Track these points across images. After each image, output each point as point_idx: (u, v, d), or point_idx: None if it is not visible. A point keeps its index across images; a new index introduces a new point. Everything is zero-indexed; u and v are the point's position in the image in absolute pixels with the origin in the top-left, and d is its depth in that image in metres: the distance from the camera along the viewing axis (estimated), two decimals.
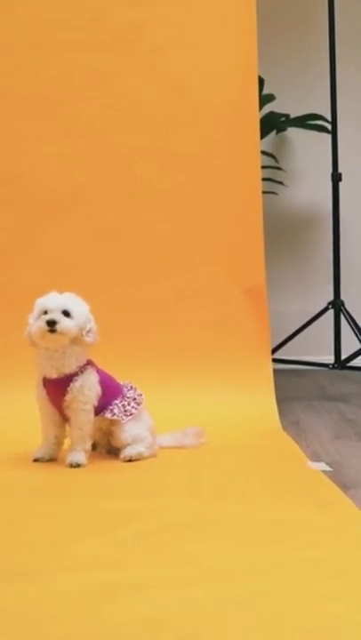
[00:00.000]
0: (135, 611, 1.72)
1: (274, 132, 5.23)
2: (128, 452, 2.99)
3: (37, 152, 3.81)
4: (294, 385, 4.62)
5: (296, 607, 1.73)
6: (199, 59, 3.89)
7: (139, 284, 3.81)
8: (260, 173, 3.98)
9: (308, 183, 5.41)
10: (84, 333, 2.89)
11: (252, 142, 3.95)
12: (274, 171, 5.18)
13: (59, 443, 2.99)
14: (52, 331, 2.84)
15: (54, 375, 2.91)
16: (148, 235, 3.85)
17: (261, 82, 4.64)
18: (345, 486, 2.68)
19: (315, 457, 3.11)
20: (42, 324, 2.84)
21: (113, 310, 3.58)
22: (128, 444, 2.99)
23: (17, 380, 3.39)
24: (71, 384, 2.91)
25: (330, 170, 4.63)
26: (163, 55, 3.87)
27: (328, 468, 2.93)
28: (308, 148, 5.38)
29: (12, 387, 3.49)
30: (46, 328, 2.84)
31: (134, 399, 3.03)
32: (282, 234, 5.33)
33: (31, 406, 3.00)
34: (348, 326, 4.55)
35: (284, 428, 3.55)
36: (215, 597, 1.78)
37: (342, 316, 4.62)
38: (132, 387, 3.06)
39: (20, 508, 2.48)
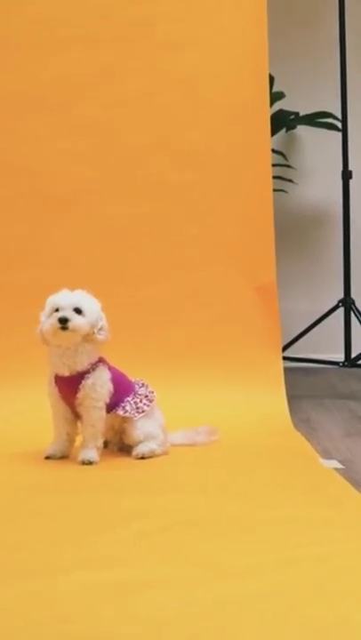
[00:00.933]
0: (138, 610, 1.72)
1: (284, 129, 5.22)
2: (140, 449, 2.99)
3: (45, 150, 3.81)
4: (305, 383, 4.62)
5: (300, 606, 1.73)
6: (209, 56, 3.89)
7: (149, 281, 3.82)
8: (270, 171, 3.98)
9: (318, 181, 5.40)
10: (95, 331, 2.89)
11: (262, 140, 3.95)
12: (284, 169, 5.18)
13: (71, 440, 3.00)
14: (64, 328, 2.84)
15: (66, 373, 2.92)
16: (158, 232, 3.86)
17: (271, 79, 4.63)
18: (357, 483, 2.68)
19: (326, 454, 3.11)
20: (54, 321, 2.85)
21: (123, 308, 3.59)
22: (140, 442, 3.00)
23: (29, 378, 3.39)
24: (83, 381, 2.91)
25: (340, 167, 4.62)
26: (172, 52, 3.87)
27: (340, 466, 2.93)
28: (317, 146, 5.37)
29: (24, 384, 3.50)
30: (58, 325, 2.84)
31: (146, 396, 3.03)
32: (292, 232, 5.33)
33: (43, 404, 3.01)
34: (359, 324, 4.54)
35: (295, 426, 3.55)
36: (219, 596, 1.78)
37: (353, 315, 4.61)
38: (143, 384, 3.06)
39: (31, 505, 2.48)
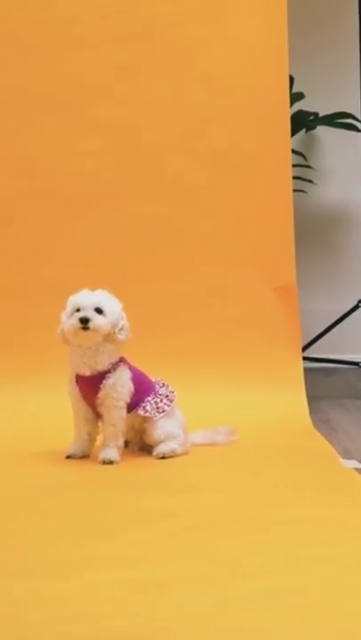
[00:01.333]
0: (165, 607, 1.73)
1: (303, 130, 5.22)
2: (161, 449, 2.99)
3: (64, 149, 3.82)
4: (324, 383, 4.61)
5: (316, 605, 1.74)
6: (229, 56, 3.89)
7: (169, 281, 3.83)
8: (290, 172, 3.98)
9: (337, 181, 5.40)
10: (116, 331, 2.90)
11: (282, 140, 3.94)
12: (303, 169, 5.18)
13: (91, 439, 3.00)
14: (85, 328, 2.85)
15: (87, 372, 2.92)
16: (177, 232, 3.86)
17: (291, 80, 4.63)
18: None
19: (346, 455, 3.11)
20: (75, 321, 2.85)
21: (143, 307, 3.58)
22: (161, 441, 3.00)
23: (50, 377, 3.41)
24: (104, 381, 2.92)
25: (360, 168, 4.62)
26: (191, 52, 3.88)
27: (360, 466, 2.93)
28: (337, 147, 5.37)
29: (45, 383, 3.52)
30: (79, 325, 2.85)
31: (167, 396, 3.03)
32: (312, 232, 5.33)
33: (64, 403, 3.02)
34: None
35: (315, 426, 3.55)
36: (236, 595, 1.78)
37: None
38: (164, 384, 3.06)
39: (52, 504, 2.49)
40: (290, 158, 3.99)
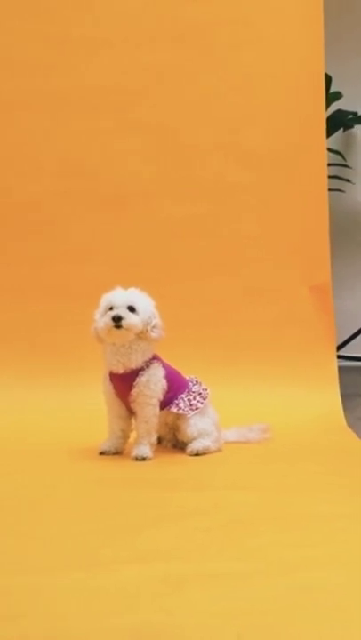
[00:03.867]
0: (201, 602, 1.75)
1: (341, 129, 5.21)
2: (195, 445, 3.01)
3: (107, 148, 3.87)
4: (359, 382, 4.60)
5: (347, 601, 1.75)
6: (266, 57, 3.92)
7: (205, 280, 3.85)
8: (325, 171, 3.99)
9: None
10: (149, 329, 2.92)
11: (318, 140, 3.96)
12: (341, 168, 5.17)
13: (125, 436, 3.03)
14: (118, 326, 2.87)
15: (121, 370, 2.95)
16: (214, 232, 3.89)
17: (329, 80, 4.63)
18: None
19: None
20: (108, 320, 2.88)
21: (180, 305, 3.63)
22: (194, 438, 3.02)
23: (85, 374, 3.45)
24: (137, 378, 2.94)
25: None
26: (230, 53, 3.91)
27: None
28: None
29: (80, 381, 3.56)
30: (112, 324, 2.87)
31: (200, 394, 3.05)
32: (349, 231, 5.32)
33: (98, 400, 3.05)
34: None
35: (350, 424, 3.55)
36: (269, 591, 1.80)
37: None
38: (197, 381, 3.08)
39: (86, 500, 2.51)
40: (325, 158, 4.00)
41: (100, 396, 3.03)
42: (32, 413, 3.48)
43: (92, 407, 3.15)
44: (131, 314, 2.88)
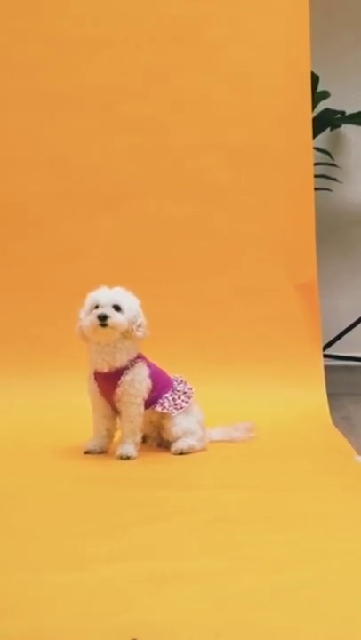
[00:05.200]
0: (186, 600, 1.75)
1: (329, 129, 5.21)
2: (179, 445, 3.02)
3: (94, 148, 3.87)
4: (346, 381, 4.60)
5: (330, 599, 1.76)
6: (253, 56, 3.93)
7: (191, 278, 3.86)
8: (312, 170, 4.00)
9: None
10: (134, 327, 2.92)
11: (304, 140, 3.97)
12: (328, 167, 5.17)
13: (110, 435, 3.04)
14: (104, 325, 2.87)
15: (105, 369, 2.95)
16: (200, 231, 3.90)
17: (317, 79, 4.63)
18: None
19: None
20: (93, 318, 2.88)
21: (166, 304, 3.64)
22: (179, 437, 3.03)
23: (69, 373, 3.44)
24: (122, 377, 2.95)
25: None
26: (218, 53, 3.92)
27: None
28: None
29: (64, 379, 3.56)
30: (97, 322, 2.87)
31: (185, 393, 3.06)
32: (336, 230, 5.32)
33: (82, 399, 3.04)
34: None
35: (335, 423, 3.56)
36: (253, 588, 1.81)
37: None
38: (182, 380, 3.09)
39: (71, 499, 2.51)
40: (311, 157, 4.01)
41: (83, 395, 3.03)
42: (31, 413, 3.48)
43: (77, 406, 3.14)
44: (116, 313, 2.89)
